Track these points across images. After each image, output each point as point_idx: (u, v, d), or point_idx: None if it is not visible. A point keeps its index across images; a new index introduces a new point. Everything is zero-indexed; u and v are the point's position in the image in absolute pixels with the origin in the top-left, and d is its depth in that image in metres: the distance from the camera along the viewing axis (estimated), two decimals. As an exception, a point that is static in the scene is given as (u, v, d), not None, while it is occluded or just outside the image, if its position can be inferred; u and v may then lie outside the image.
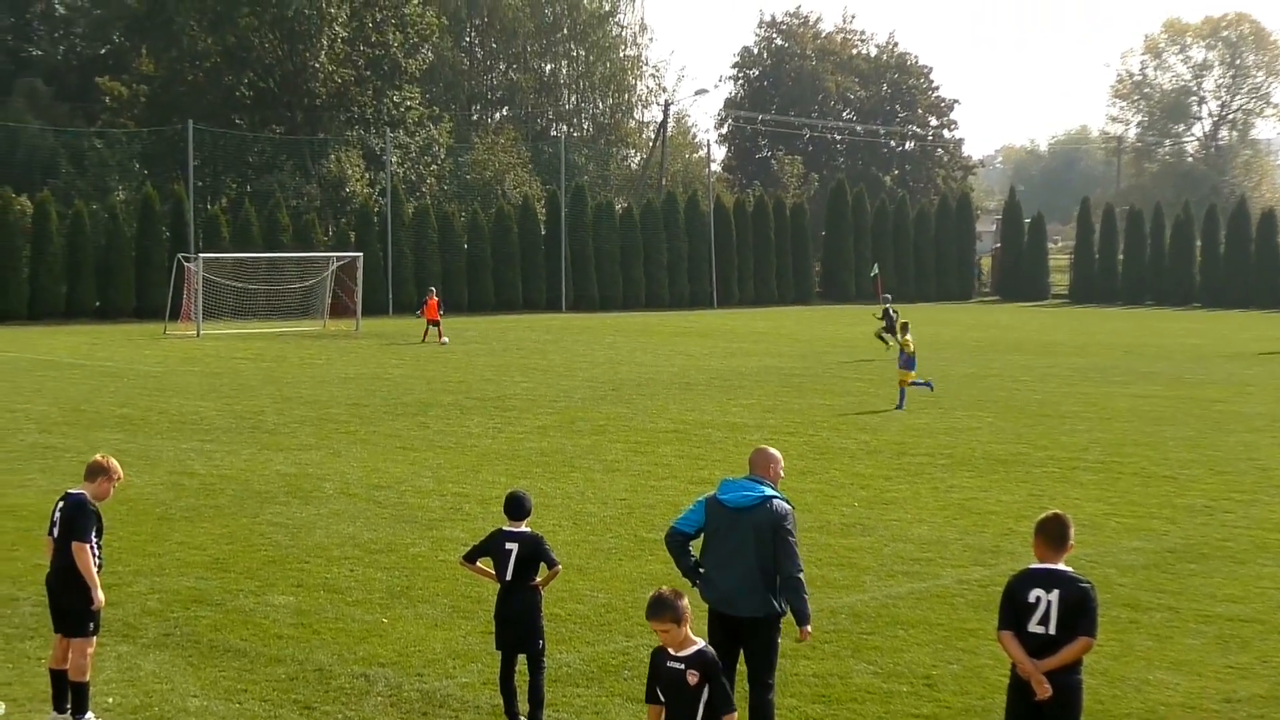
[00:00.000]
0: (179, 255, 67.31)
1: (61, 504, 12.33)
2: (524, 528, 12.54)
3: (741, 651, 11.54)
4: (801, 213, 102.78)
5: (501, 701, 12.41)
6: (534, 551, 12.37)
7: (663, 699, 9.41)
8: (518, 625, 12.33)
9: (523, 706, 12.35)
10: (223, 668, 13.78)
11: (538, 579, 12.43)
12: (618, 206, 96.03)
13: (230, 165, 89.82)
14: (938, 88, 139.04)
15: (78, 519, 12.14)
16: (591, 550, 18.95)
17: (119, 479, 12.69)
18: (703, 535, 11.54)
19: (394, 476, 24.57)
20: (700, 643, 9.38)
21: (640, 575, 17.54)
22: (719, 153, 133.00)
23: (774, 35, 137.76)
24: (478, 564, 12.72)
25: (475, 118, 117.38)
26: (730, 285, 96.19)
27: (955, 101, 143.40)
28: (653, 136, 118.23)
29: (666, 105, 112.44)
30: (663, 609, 9.27)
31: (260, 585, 16.94)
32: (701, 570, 11.54)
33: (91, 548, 12.19)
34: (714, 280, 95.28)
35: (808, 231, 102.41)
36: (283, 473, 24.83)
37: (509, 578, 12.33)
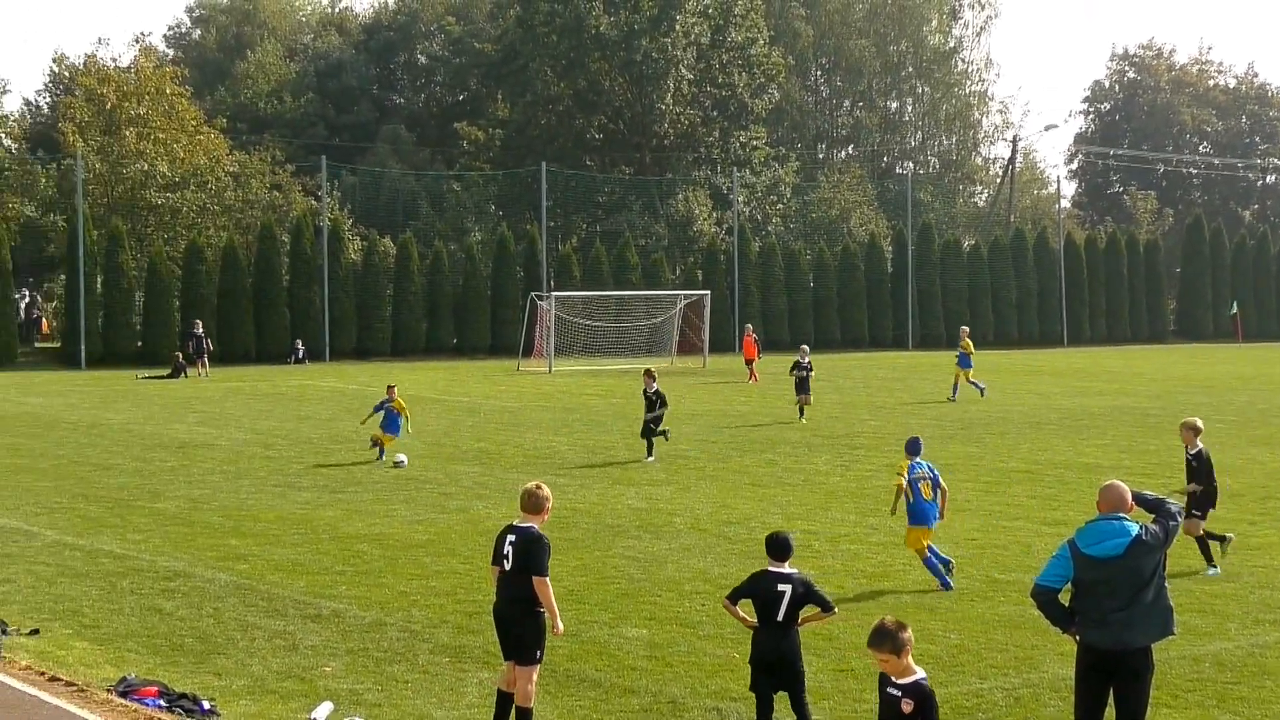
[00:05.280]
0: (532, 294, 69.08)
1: (513, 538, 12.65)
2: (790, 568, 12.49)
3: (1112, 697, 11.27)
4: (1155, 249, 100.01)
5: None
6: (808, 593, 12.34)
7: None
8: (784, 667, 12.28)
9: None
10: (579, 697, 14.07)
11: (801, 620, 12.38)
12: (965, 244, 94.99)
13: (581, 206, 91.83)
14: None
15: (537, 553, 12.51)
16: (940, 591, 18.74)
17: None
18: (1074, 583, 11.31)
19: (743, 513, 24.73)
20: (920, 673, 9.66)
21: (993, 616, 17.29)
22: (1069, 188, 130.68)
23: (1126, 68, 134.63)
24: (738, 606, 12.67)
25: (821, 156, 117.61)
26: (1081, 323, 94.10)
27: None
28: (1000, 173, 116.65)
29: (1014, 141, 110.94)
30: (883, 639, 9.63)
31: (614, 617, 17.24)
32: (1077, 615, 11.31)
33: None
34: (1064, 318, 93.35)
35: (1161, 268, 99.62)
36: (634, 507, 25.23)
37: (780, 619, 12.26)
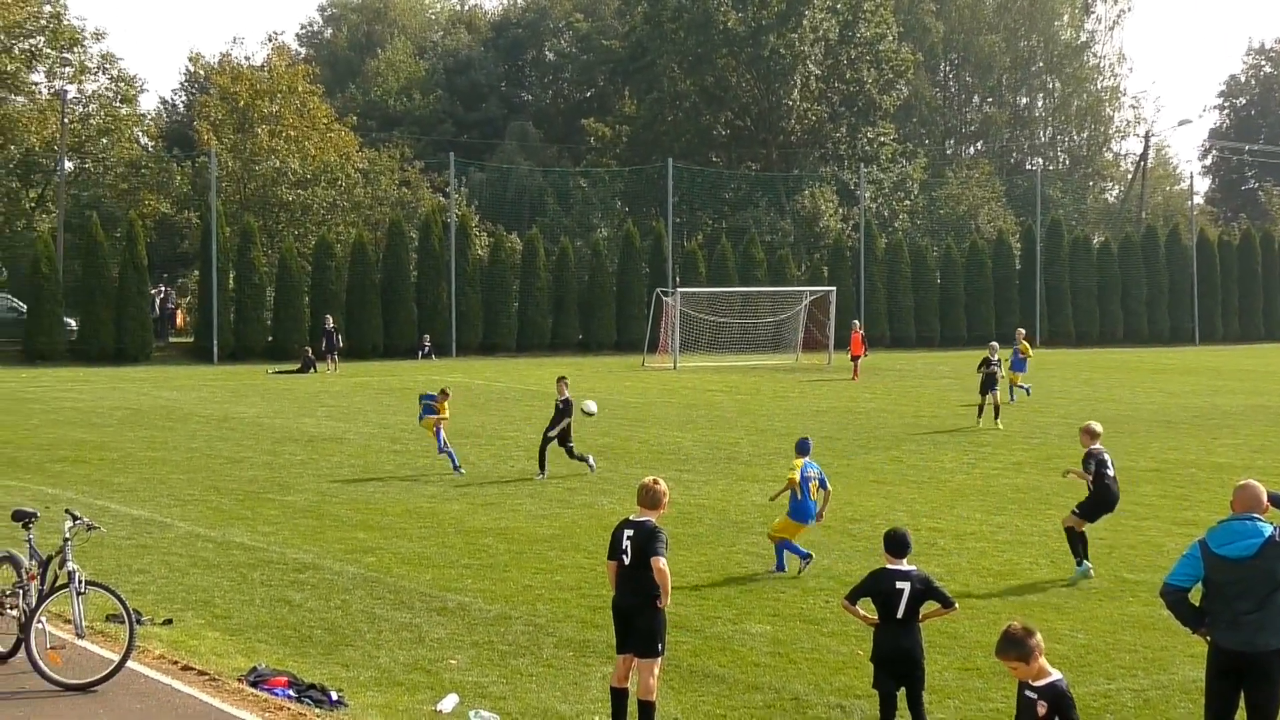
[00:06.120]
0: (657, 290, 69.10)
1: (630, 532, 12.76)
2: (908, 565, 12.45)
3: (1243, 700, 11.14)
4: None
5: None
6: (927, 589, 12.30)
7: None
8: (906, 663, 12.22)
9: None
10: (702, 693, 14.09)
11: (922, 617, 12.35)
12: (1094, 240, 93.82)
13: (707, 202, 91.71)
14: None
15: (654, 542, 12.58)
16: (1070, 589, 18.59)
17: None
18: (1204, 583, 11.19)
19: (867, 510, 24.64)
20: (1055, 675, 9.56)
21: (1121, 617, 17.10)
22: (1202, 184, 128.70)
23: (1263, 62, 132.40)
24: (858, 605, 12.64)
25: (949, 152, 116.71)
26: (1213, 321, 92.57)
27: None
28: (1131, 169, 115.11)
29: (1146, 136, 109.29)
30: (1009, 647, 9.55)
31: (737, 613, 17.25)
32: (1207, 616, 11.19)
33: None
34: (1196, 316, 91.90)
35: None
36: (758, 503, 25.18)
37: (901, 616, 12.22)
